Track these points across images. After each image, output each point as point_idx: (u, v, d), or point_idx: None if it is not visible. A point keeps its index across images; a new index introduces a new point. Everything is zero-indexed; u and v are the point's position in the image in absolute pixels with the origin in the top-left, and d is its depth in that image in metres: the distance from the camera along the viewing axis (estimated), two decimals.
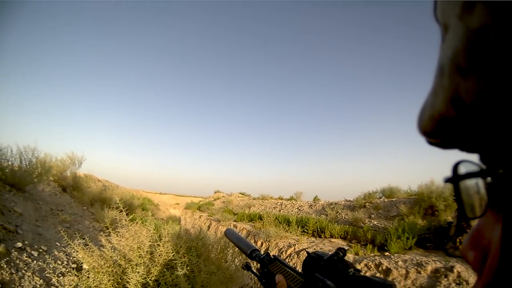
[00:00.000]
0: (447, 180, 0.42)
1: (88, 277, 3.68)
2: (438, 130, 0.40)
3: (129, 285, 3.54)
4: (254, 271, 1.38)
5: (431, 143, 0.44)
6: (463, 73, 0.33)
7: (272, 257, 1.31)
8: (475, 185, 0.40)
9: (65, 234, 4.32)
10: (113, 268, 3.85)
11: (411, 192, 13.47)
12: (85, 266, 3.88)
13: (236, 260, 5.44)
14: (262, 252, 1.38)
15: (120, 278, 3.77)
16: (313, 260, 1.03)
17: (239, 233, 1.69)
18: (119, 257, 3.94)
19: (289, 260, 9.23)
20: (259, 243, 11.33)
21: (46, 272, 3.96)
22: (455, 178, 0.41)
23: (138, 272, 3.63)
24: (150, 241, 4.20)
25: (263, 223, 13.12)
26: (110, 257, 3.95)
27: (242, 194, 28.83)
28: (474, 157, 0.41)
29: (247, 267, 1.44)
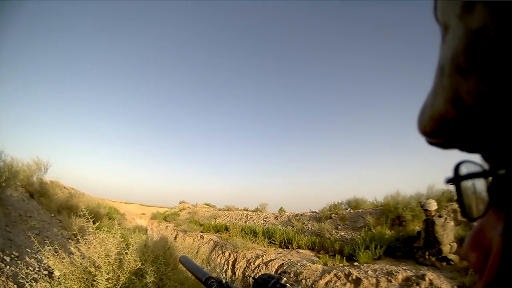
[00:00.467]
0: (449, 181, 0.42)
1: (60, 284, 3.63)
2: (438, 130, 0.40)
3: None
4: None
5: (432, 143, 0.44)
6: (463, 74, 0.32)
7: (225, 284, 1.37)
8: (476, 185, 0.41)
9: (35, 240, 4.25)
10: (83, 275, 3.82)
11: (377, 203, 13.68)
12: (56, 272, 3.87)
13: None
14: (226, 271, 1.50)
15: (91, 285, 3.73)
16: (259, 285, 1.21)
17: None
18: (88, 264, 3.90)
19: (258, 270, 9.15)
20: (226, 254, 11.30)
21: (19, 277, 3.84)
22: (457, 179, 0.41)
23: (107, 279, 3.63)
24: (117, 249, 4.18)
25: (230, 234, 13.07)
26: (80, 264, 3.91)
27: (207, 205, 28.82)
28: (475, 157, 0.41)
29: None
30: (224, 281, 1.40)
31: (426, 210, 7.47)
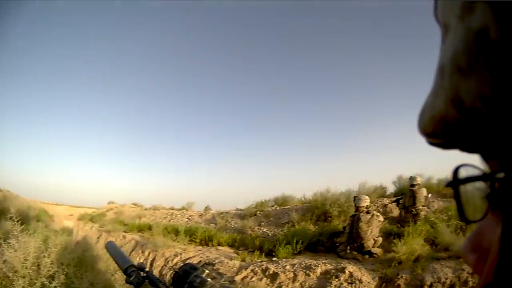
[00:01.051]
0: (448, 184, 0.40)
1: None
2: (438, 130, 0.39)
3: None
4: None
5: (432, 143, 0.43)
6: (463, 74, 0.31)
7: (145, 275, 1.31)
8: (475, 188, 0.38)
9: None
10: (2, 281, 3.83)
11: (305, 200, 13.87)
12: None
13: (118, 272, 5.45)
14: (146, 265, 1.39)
15: None
16: (179, 278, 1.19)
17: (120, 247, 1.82)
18: (7, 269, 3.89)
19: (176, 268, 8.86)
20: (146, 253, 11.22)
21: None
22: (455, 182, 0.39)
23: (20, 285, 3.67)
24: (36, 252, 4.20)
25: (152, 233, 13.02)
26: (0, 269, 3.91)
27: (135, 204, 28.84)
28: (474, 159, 0.40)
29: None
30: (145, 270, 1.34)
31: (357, 206, 7.70)
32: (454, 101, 0.32)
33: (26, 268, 3.85)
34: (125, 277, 1.35)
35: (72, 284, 4.09)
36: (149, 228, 14.76)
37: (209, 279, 1.16)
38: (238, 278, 6.84)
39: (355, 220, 7.30)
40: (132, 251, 12.10)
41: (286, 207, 13.45)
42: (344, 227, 7.89)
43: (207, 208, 19.87)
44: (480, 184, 0.36)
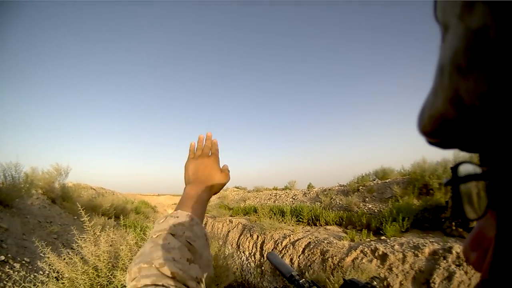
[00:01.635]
0: (447, 183, 0.42)
1: (63, 283, 3.72)
2: (438, 130, 0.39)
3: None
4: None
5: (431, 143, 0.43)
6: (463, 73, 0.31)
7: (311, 282, 1.35)
8: (475, 186, 0.40)
9: (50, 245, 4.54)
10: (78, 274, 3.86)
11: (404, 172, 13.38)
12: (66, 274, 3.87)
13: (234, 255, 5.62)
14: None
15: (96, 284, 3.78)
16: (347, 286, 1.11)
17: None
18: (81, 263, 3.96)
19: (285, 251, 9.10)
20: (254, 236, 11.27)
21: (26, 282, 3.86)
22: (455, 181, 0.41)
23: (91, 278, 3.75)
24: (110, 247, 4.31)
25: (258, 215, 13.02)
26: (82, 266, 3.92)
27: (237, 188, 28.91)
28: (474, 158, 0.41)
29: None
30: (307, 280, 1.39)
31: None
32: (454, 101, 0.34)
33: (101, 261, 3.92)
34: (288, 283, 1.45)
35: None
36: (255, 210, 14.70)
37: None
38: (348, 259, 6.85)
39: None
40: (240, 235, 12.33)
41: (387, 181, 13.02)
42: (446, 201, 7.46)
43: (310, 186, 19.36)
44: (480, 183, 0.39)
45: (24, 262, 5.33)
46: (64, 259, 3.99)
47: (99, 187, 22.95)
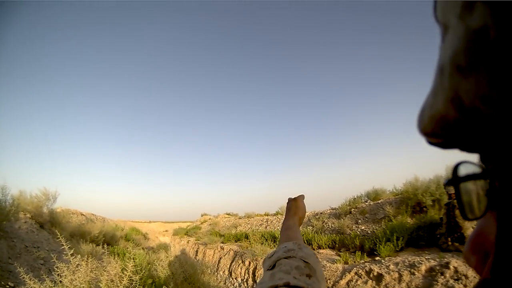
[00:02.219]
0: (448, 182, 0.42)
1: None
2: (438, 130, 0.39)
3: None
4: None
5: (431, 143, 0.43)
6: (463, 73, 0.32)
7: None
8: (475, 186, 0.40)
9: (36, 270, 4.78)
10: None
11: (397, 192, 13.37)
12: None
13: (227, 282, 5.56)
14: None
15: None
16: None
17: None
18: None
19: None
20: (246, 262, 11.22)
21: None
22: (455, 180, 0.41)
23: None
24: (113, 271, 4.14)
25: (250, 242, 13.00)
26: None
27: (229, 214, 28.88)
28: (474, 158, 0.41)
29: None
30: None
31: (449, 193, 7.47)
32: (454, 101, 0.34)
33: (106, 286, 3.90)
34: None
35: None
36: (246, 237, 14.74)
37: None
38: (342, 282, 6.77)
39: (450, 208, 7.00)
40: (232, 261, 12.26)
41: (379, 201, 13.03)
42: (441, 218, 7.48)
43: None
44: (480, 182, 0.39)
45: (8, 287, 5.24)
46: (45, 287, 3.91)
47: (89, 213, 22.79)
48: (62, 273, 4.05)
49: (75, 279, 3.87)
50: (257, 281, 10.28)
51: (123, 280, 3.87)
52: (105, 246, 6.28)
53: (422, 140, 0.42)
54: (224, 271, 12.18)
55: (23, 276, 4.03)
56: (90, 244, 9.91)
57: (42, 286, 3.86)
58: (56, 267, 4.24)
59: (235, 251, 12.95)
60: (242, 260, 11.65)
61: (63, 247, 4.18)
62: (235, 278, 11.35)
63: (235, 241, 15.77)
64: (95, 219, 19.83)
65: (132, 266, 4.04)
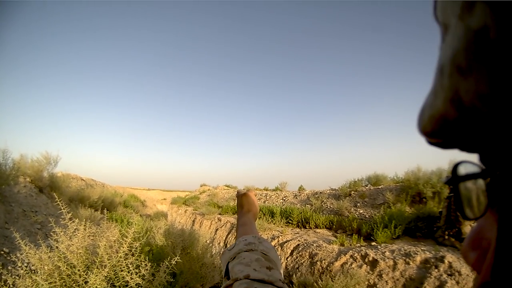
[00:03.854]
0: (447, 181, 0.42)
1: (35, 280, 3.54)
2: (438, 130, 0.39)
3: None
4: None
5: (431, 143, 0.43)
6: (463, 73, 0.32)
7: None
8: (475, 185, 0.40)
9: (32, 235, 4.41)
10: (53, 270, 3.70)
11: (398, 179, 13.36)
12: (45, 267, 3.72)
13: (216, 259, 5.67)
14: None
15: (72, 281, 3.60)
16: None
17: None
18: (56, 258, 3.77)
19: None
20: None
21: (1, 273, 3.82)
22: (455, 179, 0.41)
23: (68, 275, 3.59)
24: (87, 240, 4.09)
25: None
26: (59, 259, 3.76)
27: (228, 186, 28.85)
28: (474, 157, 0.40)
29: None
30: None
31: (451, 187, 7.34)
32: (454, 101, 0.34)
33: (82, 260, 3.82)
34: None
35: (157, 272, 4.02)
36: None
37: None
38: (337, 264, 6.80)
39: (451, 202, 6.64)
40: (228, 234, 12.35)
41: (380, 187, 12.99)
42: (440, 211, 7.48)
43: (301, 188, 19.26)
44: (479, 182, 0.40)
45: (2, 252, 5.18)
46: (41, 252, 3.85)
47: (89, 178, 22.78)
48: (59, 238, 4.01)
49: (72, 244, 3.85)
50: None
51: (122, 247, 3.82)
52: (104, 211, 6.26)
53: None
54: (220, 243, 12.25)
55: (19, 241, 4.00)
56: (89, 209, 9.92)
57: (37, 252, 3.85)
58: (52, 232, 4.16)
59: (232, 223, 13.03)
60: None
61: (60, 211, 4.17)
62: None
63: (232, 213, 15.84)
64: (95, 185, 19.88)
65: (133, 233, 4.03)
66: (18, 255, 4.77)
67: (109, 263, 3.68)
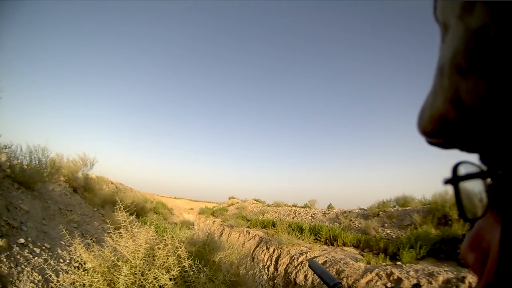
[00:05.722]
0: (447, 181, 0.42)
1: (87, 275, 3.68)
2: (438, 130, 0.40)
3: (119, 284, 3.56)
4: None
5: (431, 143, 0.44)
6: (463, 73, 0.33)
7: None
8: (475, 186, 0.40)
9: (69, 233, 4.34)
10: (109, 268, 3.85)
11: (425, 201, 13.25)
12: (88, 265, 3.87)
13: (248, 266, 5.65)
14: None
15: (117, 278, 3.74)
16: None
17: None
18: (116, 258, 3.94)
19: (301, 267, 9.16)
20: (271, 249, 11.35)
21: (46, 268, 3.81)
22: (455, 179, 0.41)
23: (126, 275, 3.64)
24: (146, 244, 4.19)
25: (276, 230, 13.04)
26: (109, 257, 3.95)
27: (257, 200, 28.66)
28: (474, 158, 0.41)
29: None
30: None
31: None
32: (454, 101, 0.34)
33: (137, 258, 3.88)
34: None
35: (189, 277, 4.13)
36: (273, 224, 14.75)
37: None
38: (362, 281, 6.89)
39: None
40: (256, 247, 12.39)
41: (407, 208, 12.92)
42: (463, 234, 7.44)
43: (330, 207, 19.15)
44: (479, 182, 0.40)
45: (44, 247, 5.21)
46: (93, 251, 4.03)
47: (118, 183, 22.98)
48: (115, 239, 4.21)
49: (134, 246, 4.03)
50: (278, 269, 10.41)
51: (177, 250, 4.09)
52: (135, 216, 6.18)
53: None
54: (247, 256, 12.19)
55: (67, 238, 4.21)
56: (123, 212, 9.68)
57: (88, 251, 4.01)
58: (109, 232, 4.26)
59: (260, 237, 13.09)
60: (266, 246, 11.79)
61: (95, 212, 4.25)
62: (257, 263, 11.45)
63: (261, 227, 15.78)
64: (124, 189, 19.95)
65: (181, 242, 4.22)
66: (59, 251, 5.02)
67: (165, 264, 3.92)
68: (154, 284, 3.78)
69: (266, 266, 10.94)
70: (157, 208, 19.48)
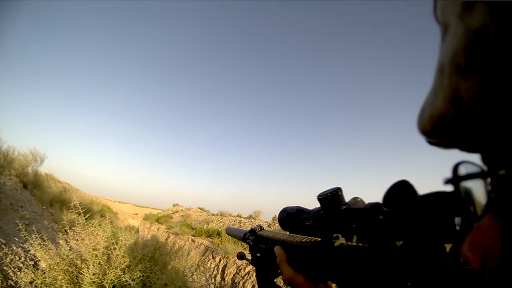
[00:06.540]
0: (447, 181, 0.40)
1: (44, 273, 3.58)
2: (438, 129, 0.40)
3: (84, 284, 3.50)
4: (249, 258, 1.24)
5: (431, 143, 0.44)
6: (463, 73, 0.33)
7: (259, 228, 1.23)
8: (475, 186, 0.39)
9: (24, 230, 4.22)
10: (68, 267, 3.76)
11: None
12: (42, 263, 3.82)
13: (194, 275, 5.89)
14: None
15: (76, 278, 3.68)
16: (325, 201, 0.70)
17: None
18: (75, 256, 3.86)
19: (248, 277, 9.17)
20: (217, 259, 11.36)
21: (3, 265, 3.77)
22: (455, 179, 0.39)
23: (93, 274, 3.58)
24: (106, 243, 4.17)
25: (221, 239, 13.11)
26: (67, 256, 3.86)
27: (201, 209, 28.63)
28: (475, 158, 0.40)
29: (240, 256, 1.36)
30: (258, 228, 1.25)
31: None
32: (454, 100, 0.34)
33: (96, 257, 3.82)
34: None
35: (148, 279, 4.11)
36: (218, 234, 14.77)
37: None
38: None
39: None
40: (202, 256, 12.21)
41: None
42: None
43: (275, 218, 18.79)
44: (479, 182, 0.38)
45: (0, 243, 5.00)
46: (50, 249, 3.91)
47: (65, 182, 22.22)
48: (71, 237, 4.10)
49: (93, 245, 3.97)
50: (225, 279, 10.42)
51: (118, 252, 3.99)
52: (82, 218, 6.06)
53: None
54: (192, 263, 12.14)
55: (24, 234, 4.12)
56: (72, 212, 9.41)
57: (45, 249, 3.90)
58: (65, 230, 4.16)
59: (206, 246, 13.02)
60: (212, 256, 11.78)
61: (44, 211, 4.09)
62: (203, 273, 11.01)
63: (206, 236, 15.76)
64: (70, 189, 18.80)
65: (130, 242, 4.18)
66: (14, 248, 4.79)
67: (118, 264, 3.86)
68: (115, 284, 3.76)
69: (213, 275, 10.94)
70: (103, 211, 18.96)
